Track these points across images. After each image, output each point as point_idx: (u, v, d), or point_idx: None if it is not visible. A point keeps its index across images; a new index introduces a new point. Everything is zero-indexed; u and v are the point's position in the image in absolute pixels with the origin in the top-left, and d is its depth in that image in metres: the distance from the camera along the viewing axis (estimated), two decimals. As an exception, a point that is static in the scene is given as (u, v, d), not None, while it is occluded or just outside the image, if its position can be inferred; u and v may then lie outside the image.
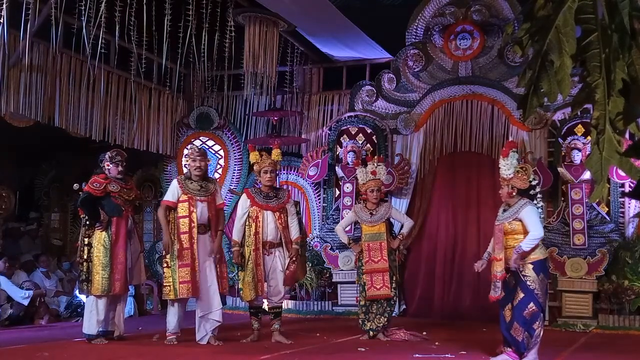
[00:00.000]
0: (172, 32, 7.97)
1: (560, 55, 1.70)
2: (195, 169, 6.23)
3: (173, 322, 6.23)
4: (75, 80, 8.26)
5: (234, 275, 7.54)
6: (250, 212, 6.36)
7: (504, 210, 5.32)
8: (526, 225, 5.16)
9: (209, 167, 10.06)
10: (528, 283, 5.09)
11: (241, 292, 6.41)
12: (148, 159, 10.22)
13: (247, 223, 6.36)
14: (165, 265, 6.19)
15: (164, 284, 6.23)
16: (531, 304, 5.07)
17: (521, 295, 5.08)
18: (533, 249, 5.13)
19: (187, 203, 6.14)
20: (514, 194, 5.25)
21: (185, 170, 6.58)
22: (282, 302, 6.65)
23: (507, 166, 5.25)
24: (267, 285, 6.44)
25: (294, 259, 6.33)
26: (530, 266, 5.12)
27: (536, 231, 5.14)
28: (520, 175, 5.26)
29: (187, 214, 6.12)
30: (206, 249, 6.19)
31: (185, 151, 6.44)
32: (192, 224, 6.09)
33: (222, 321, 6.15)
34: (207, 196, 6.22)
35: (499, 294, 5.14)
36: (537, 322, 5.08)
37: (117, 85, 8.96)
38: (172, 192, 6.23)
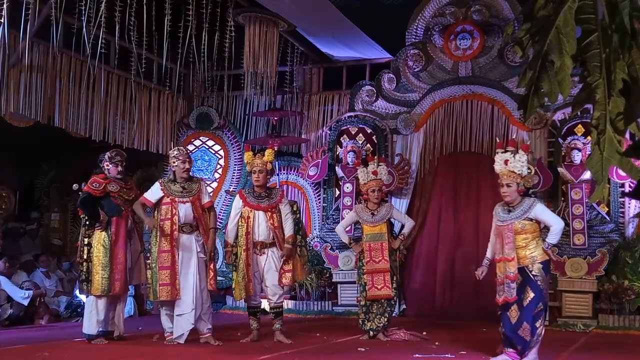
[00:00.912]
0: (172, 32, 7.97)
1: (560, 56, 1.70)
2: (183, 171, 6.24)
3: (167, 324, 6.25)
4: (75, 80, 8.27)
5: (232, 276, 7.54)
6: (242, 212, 6.37)
7: (509, 211, 5.23)
8: (545, 221, 5.27)
9: (209, 167, 10.19)
10: (538, 283, 5.10)
11: (234, 291, 6.46)
12: (148, 159, 10.22)
13: (239, 223, 6.37)
14: (147, 267, 6.20)
15: (147, 285, 6.25)
16: (540, 304, 5.09)
17: (531, 295, 5.07)
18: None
19: (169, 205, 6.16)
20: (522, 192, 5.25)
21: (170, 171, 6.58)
22: (282, 302, 6.63)
23: (524, 163, 5.21)
24: (264, 285, 6.44)
25: (284, 258, 6.33)
26: (540, 266, 5.13)
27: (558, 223, 5.29)
28: (529, 173, 5.29)
29: (169, 217, 6.13)
30: (191, 249, 6.18)
31: (174, 152, 6.37)
32: (174, 227, 6.11)
33: (194, 323, 6.11)
34: (190, 197, 6.22)
35: (515, 295, 5.12)
36: (540, 321, 5.09)
37: (117, 85, 8.97)
38: (153, 191, 6.24)
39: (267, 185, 6.57)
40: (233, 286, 6.43)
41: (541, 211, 5.24)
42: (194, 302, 6.07)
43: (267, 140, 9.28)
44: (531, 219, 5.18)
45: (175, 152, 6.30)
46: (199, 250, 6.21)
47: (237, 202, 6.48)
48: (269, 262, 6.37)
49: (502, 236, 5.22)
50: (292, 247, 6.35)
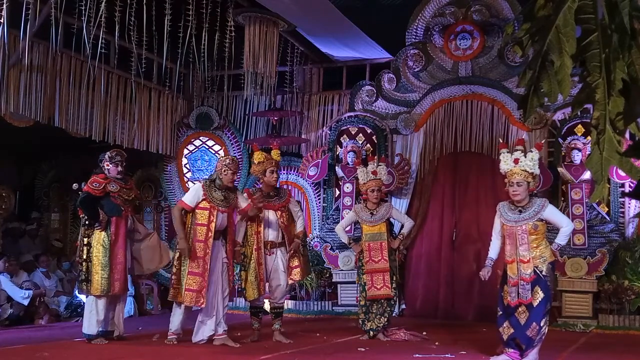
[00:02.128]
0: (172, 32, 7.98)
1: (560, 56, 1.70)
2: (230, 182, 6.16)
3: (176, 323, 6.23)
4: (75, 80, 8.26)
5: (236, 275, 7.53)
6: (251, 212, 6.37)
7: (520, 211, 5.21)
8: (556, 222, 5.31)
9: (209, 167, 10.18)
10: (548, 283, 5.12)
11: (244, 291, 6.41)
12: (148, 159, 10.22)
13: (248, 222, 6.36)
14: (174, 267, 6.14)
15: (172, 285, 6.19)
16: (548, 303, 5.11)
17: (541, 295, 5.08)
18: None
19: (207, 211, 6.07)
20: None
21: (214, 175, 6.37)
22: (283, 302, 6.65)
23: (536, 162, 5.19)
24: (269, 285, 6.44)
25: (292, 251, 6.34)
26: (550, 266, 5.16)
27: (569, 225, 5.38)
28: None
29: (206, 223, 6.05)
30: (218, 255, 6.16)
31: (226, 161, 6.26)
32: (209, 234, 6.04)
33: (214, 329, 6.09)
34: (228, 207, 6.18)
35: (530, 297, 5.10)
36: (544, 320, 5.11)
37: (117, 85, 8.96)
38: (193, 195, 6.12)
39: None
40: (243, 286, 6.39)
41: (552, 212, 5.25)
42: (215, 308, 6.07)
43: (267, 140, 9.27)
44: (542, 220, 5.18)
45: (228, 161, 6.19)
46: (224, 255, 6.21)
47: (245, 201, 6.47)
48: (277, 262, 6.38)
49: (514, 237, 5.18)
50: (300, 242, 6.40)
